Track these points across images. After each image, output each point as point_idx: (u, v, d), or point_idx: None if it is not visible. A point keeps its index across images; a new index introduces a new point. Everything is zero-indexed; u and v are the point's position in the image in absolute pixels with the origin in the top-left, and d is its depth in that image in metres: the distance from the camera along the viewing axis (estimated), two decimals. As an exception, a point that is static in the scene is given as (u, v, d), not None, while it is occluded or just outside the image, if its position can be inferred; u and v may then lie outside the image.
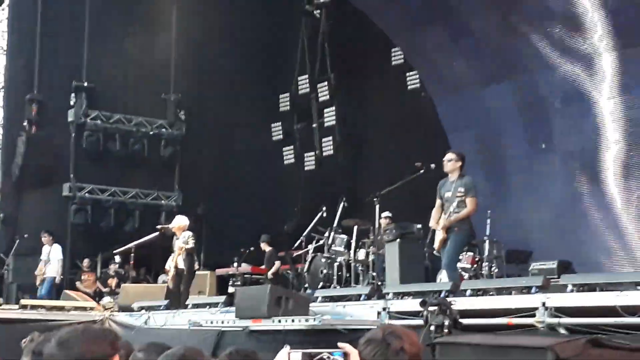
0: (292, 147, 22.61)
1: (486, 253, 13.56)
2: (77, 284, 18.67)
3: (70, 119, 20.26)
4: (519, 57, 17.42)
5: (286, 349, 2.92)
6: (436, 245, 10.86)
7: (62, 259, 17.96)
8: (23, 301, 15.39)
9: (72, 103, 20.34)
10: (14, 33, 20.47)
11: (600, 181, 16.08)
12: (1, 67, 20.89)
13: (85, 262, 19.14)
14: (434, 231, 11.19)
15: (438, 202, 10.83)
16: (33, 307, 14.96)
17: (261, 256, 17.76)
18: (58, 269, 17.73)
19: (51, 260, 17.64)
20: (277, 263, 17.29)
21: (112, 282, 18.54)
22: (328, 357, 2.93)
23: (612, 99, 15.82)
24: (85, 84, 20.37)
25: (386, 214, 14.49)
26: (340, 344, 2.97)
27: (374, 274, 13.76)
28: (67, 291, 17.12)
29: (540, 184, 17.30)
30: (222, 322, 11.48)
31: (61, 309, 15.18)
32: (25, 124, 19.77)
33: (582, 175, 16.52)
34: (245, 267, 18.16)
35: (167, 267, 14.47)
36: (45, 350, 3.51)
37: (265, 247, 17.54)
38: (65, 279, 18.90)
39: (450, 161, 10.75)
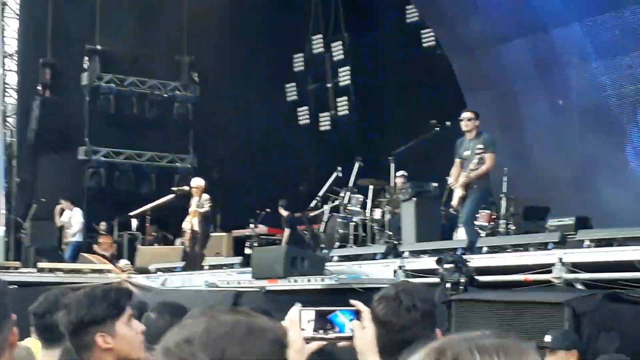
0: (306, 107, 22.52)
1: (503, 210, 13.48)
2: (94, 246, 18.75)
3: (84, 82, 20.23)
4: (535, 13, 17.20)
5: (297, 306, 2.87)
6: (454, 202, 10.80)
7: (83, 222, 17.99)
8: (40, 264, 15.49)
9: (85, 67, 20.29)
10: (26, -3, 20.40)
11: (620, 137, 15.94)
12: (14, 32, 20.83)
13: (102, 225, 19.21)
14: (450, 189, 11.13)
15: (457, 160, 10.77)
16: (51, 270, 15.06)
17: (278, 218, 17.74)
18: (77, 232, 17.79)
19: (73, 224, 17.72)
20: (286, 230, 17.09)
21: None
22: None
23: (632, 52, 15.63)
24: (99, 47, 20.30)
25: (401, 172, 14.40)
26: (352, 301, 2.92)
27: (390, 233, 13.71)
28: (84, 254, 17.21)
29: (558, 141, 17.16)
30: (239, 283, 11.52)
31: (78, 271, 15.26)
32: (39, 88, 19.75)
33: (600, 132, 16.37)
34: (261, 228, 18.17)
35: (183, 227, 14.51)
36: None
37: (282, 211, 17.47)
38: (82, 242, 19.00)
39: (469, 120, 10.66)
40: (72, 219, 17.74)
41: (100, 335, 3.17)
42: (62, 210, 18.00)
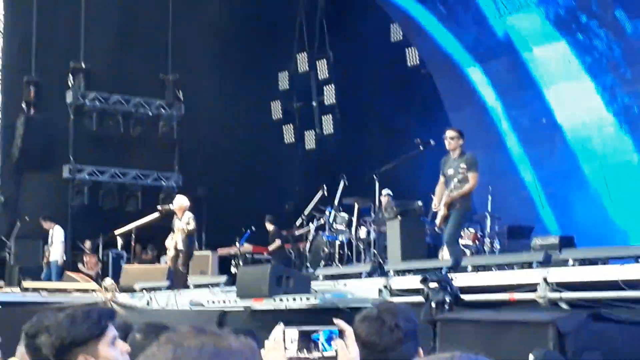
0: (291, 125, 22.54)
1: (488, 229, 13.52)
2: (79, 265, 18.67)
3: (68, 100, 20.18)
4: (517, 32, 17.33)
5: (280, 326, 2.87)
6: (438, 221, 10.82)
7: (64, 241, 17.83)
8: (25, 284, 15.38)
9: (69, 84, 20.24)
10: (10, 14, 20.36)
11: (600, 156, 16.05)
12: (-2, 50, 20.81)
13: (87, 243, 19.13)
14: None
15: (441, 178, 10.79)
16: (35, 289, 14.96)
17: (263, 236, 17.72)
18: (62, 252, 17.62)
19: (54, 242, 17.57)
20: (278, 241, 17.25)
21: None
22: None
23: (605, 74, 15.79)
24: (83, 65, 20.26)
25: (386, 191, 14.44)
26: (336, 321, 2.92)
27: (375, 251, 13.72)
28: (68, 273, 17.12)
29: (541, 159, 17.26)
30: (224, 302, 11.48)
31: (63, 291, 15.17)
32: (23, 105, 19.70)
33: (581, 150, 16.48)
34: (246, 246, 18.14)
35: (166, 245, 14.48)
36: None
37: (269, 226, 17.49)
38: (67, 261, 18.90)
39: (452, 139, 10.69)
40: (53, 237, 17.57)
41: (83, 356, 3.15)
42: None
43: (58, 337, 3.15)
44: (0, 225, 19.46)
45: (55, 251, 17.45)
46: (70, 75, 20.24)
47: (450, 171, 10.61)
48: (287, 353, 2.81)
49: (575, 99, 16.55)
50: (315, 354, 2.84)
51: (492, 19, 17.80)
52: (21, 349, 4.55)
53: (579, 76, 16.40)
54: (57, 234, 17.54)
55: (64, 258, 17.82)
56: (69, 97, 20.16)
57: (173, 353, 1.65)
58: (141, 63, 20.85)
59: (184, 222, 14.02)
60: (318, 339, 2.86)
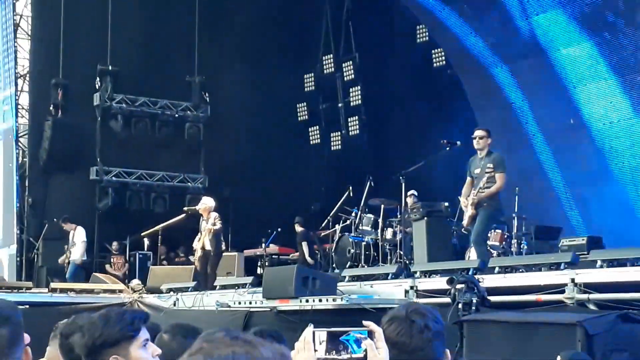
0: (317, 127, 22.56)
1: (515, 230, 13.46)
2: (107, 266, 18.79)
3: (95, 102, 20.30)
4: (544, 32, 17.24)
5: (310, 327, 2.87)
6: (465, 221, 10.80)
7: (85, 242, 17.88)
8: (53, 285, 15.52)
9: (97, 87, 20.38)
10: (38, 18, 20.53)
11: (630, 155, 15.93)
12: (26, 53, 20.99)
13: (114, 245, 19.25)
14: (461, 209, 11.13)
15: (468, 179, 10.78)
16: (62, 290, 15.09)
17: (289, 237, 17.76)
18: (82, 252, 17.70)
19: (76, 243, 17.67)
20: (304, 244, 17.19)
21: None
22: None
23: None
24: (110, 68, 20.38)
25: (412, 192, 14.41)
26: (365, 322, 2.91)
27: (402, 252, 13.71)
28: (96, 274, 17.24)
29: (569, 160, 17.15)
30: (250, 303, 11.51)
31: (90, 291, 15.30)
32: (51, 108, 19.86)
33: (611, 150, 16.36)
34: (272, 247, 18.18)
35: (194, 247, 14.54)
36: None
37: (298, 227, 17.50)
38: (94, 262, 19.04)
39: (481, 138, 10.69)
40: (74, 237, 17.68)
41: (114, 357, 3.17)
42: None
43: (91, 337, 3.17)
44: (29, 227, 19.64)
45: (77, 251, 17.55)
46: (97, 77, 20.36)
47: (477, 171, 10.60)
48: (316, 354, 2.81)
49: (602, 99, 16.43)
50: (344, 356, 2.84)
51: (518, 19, 17.71)
52: (51, 349, 4.59)
53: (606, 76, 16.28)
54: (78, 235, 17.61)
55: (84, 258, 17.85)
56: (96, 99, 20.28)
57: None
58: (168, 65, 20.98)
59: (210, 222, 14.08)
60: (347, 341, 2.86)
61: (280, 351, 1.70)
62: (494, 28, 18.37)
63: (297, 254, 17.49)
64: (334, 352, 2.84)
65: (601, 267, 7.89)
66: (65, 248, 17.65)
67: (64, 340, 4.15)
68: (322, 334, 2.85)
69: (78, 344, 3.23)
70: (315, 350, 2.82)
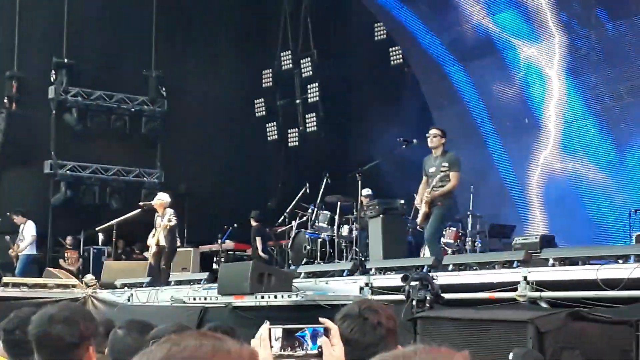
0: (275, 123, 22.54)
1: (469, 228, 13.59)
2: (61, 261, 18.60)
3: (50, 96, 20.08)
4: (500, 32, 17.41)
5: (266, 324, 2.89)
6: (419, 220, 10.89)
7: (35, 236, 17.63)
8: (5, 279, 15.32)
9: (52, 80, 20.16)
10: (-7, 9, 20.26)
11: (581, 157, 16.16)
12: (-20, 44, 20.70)
13: (68, 239, 19.06)
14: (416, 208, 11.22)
15: (424, 178, 10.86)
16: (15, 284, 14.91)
17: (245, 233, 17.71)
18: (31, 245, 17.47)
19: (25, 237, 17.44)
20: (258, 239, 17.07)
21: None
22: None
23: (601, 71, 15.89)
24: (66, 61, 20.18)
25: (366, 191, 14.37)
26: (321, 319, 2.94)
27: (357, 249, 13.76)
28: (49, 268, 17.05)
29: (523, 159, 17.34)
30: (205, 299, 11.48)
31: (43, 286, 15.13)
32: (5, 101, 19.61)
33: (562, 150, 16.58)
34: (228, 243, 18.13)
35: (148, 243, 14.45)
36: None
37: (253, 222, 17.43)
38: (48, 257, 18.83)
39: (435, 137, 10.78)
40: (24, 231, 17.46)
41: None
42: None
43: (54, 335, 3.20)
44: (-19, 221, 19.37)
45: (25, 245, 17.31)
46: (52, 70, 20.15)
47: (432, 170, 10.69)
48: (272, 351, 2.83)
49: (559, 98, 16.64)
50: (300, 352, 2.86)
51: (474, 19, 17.87)
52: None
53: (561, 75, 16.49)
54: (28, 229, 17.35)
55: (33, 253, 17.62)
56: (51, 92, 20.07)
57: (168, 350, 1.66)
58: (124, 59, 20.82)
59: (166, 219, 14.00)
60: (303, 337, 2.88)
61: (250, 351, 1.72)
62: (450, 27, 18.52)
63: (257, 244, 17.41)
64: (290, 348, 2.86)
65: (553, 265, 8.00)
66: (12, 242, 17.41)
67: (8, 335, 4.16)
68: (277, 331, 2.87)
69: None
70: (271, 347, 2.83)
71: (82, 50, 20.41)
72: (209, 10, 21.35)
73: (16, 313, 4.28)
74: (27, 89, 19.91)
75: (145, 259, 17.18)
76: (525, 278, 7.76)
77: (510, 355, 5.70)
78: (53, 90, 20.07)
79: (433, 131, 10.89)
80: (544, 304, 7.53)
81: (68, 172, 20.09)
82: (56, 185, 20.02)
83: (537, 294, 7.62)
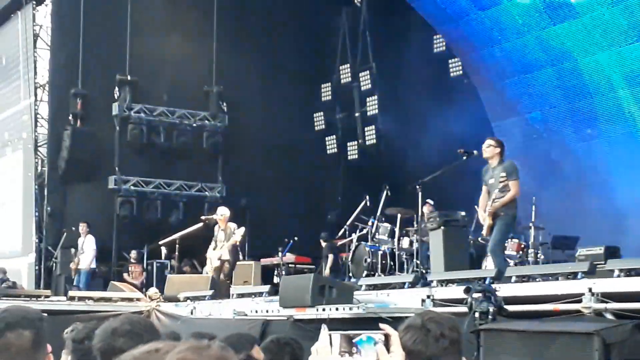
0: (334, 136, 22.61)
1: (532, 239, 13.44)
2: (125, 275, 18.88)
3: (114, 112, 20.46)
4: (561, 42, 17.22)
5: (325, 330, 2.91)
6: (484, 231, 10.80)
7: (95, 249, 18.03)
8: (71, 293, 15.60)
9: (116, 97, 20.52)
10: (58, 29, 20.70)
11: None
12: (46, 63, 21.15)
13: (132, 253, 19.35)
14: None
15: (484, 188, 10.79)
16: (81, 298, 15.16)
17: (305, 246, 17.79)
18: (91, 260, 17.84)
19: (85, 251, 17.79)
20: (330, 257, 17.18)
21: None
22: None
23: None
24: (129, 78, 20.53)
25: (428, 201, 14.41)
26: (381, 325, 2.95)
27: (418, 261, 13.71)
28: (114, 282, 17.31)
29: (587, 170, 17.10)
30: (267, 312, 11.53)
31: (108, 300, 15.35)
32: (70, 118, 20.02)
33: (628, 161, 16.31)
34: (289, 256, 18.22)
35: (207, 255, 14.57)
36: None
37: (323, 243, 17.55)
38: (112, 271, 19.14)
39: (489, 147, 10.72)
40: (84, 245, 17.79)
41: None
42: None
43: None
44: (47, 236, 19.77)
45: (86, 259, 17.67)
46: (116, 87, 20.51)
47: (491, 181, 10.62)
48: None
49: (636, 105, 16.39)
50: (357, 358, 2.88)
51: (535, 30, 17.70)
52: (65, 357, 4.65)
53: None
54: (88, 243, 17.75)
55: (93, 267, 18.00)
56: (115, 109, 20.43)
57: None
58: (186, 75, 21.10)
59: (229, 232, 14.11)
60: (360, 344, 2.90)
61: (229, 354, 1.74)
62: (511, 39, 18.37)
63: (322, 265, 17.46)
64: (347, 354, 2.87)
65: (618, 276, 7.87)
66: (74, 254, 17.82)
67: (77, 345, 4.24)
68: (336, 337, 2.89)
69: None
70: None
71: (145, 67, 20.75)
72: (269, 25, 21.54)
73: (85, 325, 4.35)
74: (91, 106, 20.30)
75: (200, 272, 17.45)
76: (590, 289, 7.63)
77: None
78: (116, 107, 20.42)
79: (487, 142, 10.84)
80: (609, 316, 7.41)
81: (132, 187, 20.40)
82: (120, 201, 20.30)
83: (602, 305, 7.50)
